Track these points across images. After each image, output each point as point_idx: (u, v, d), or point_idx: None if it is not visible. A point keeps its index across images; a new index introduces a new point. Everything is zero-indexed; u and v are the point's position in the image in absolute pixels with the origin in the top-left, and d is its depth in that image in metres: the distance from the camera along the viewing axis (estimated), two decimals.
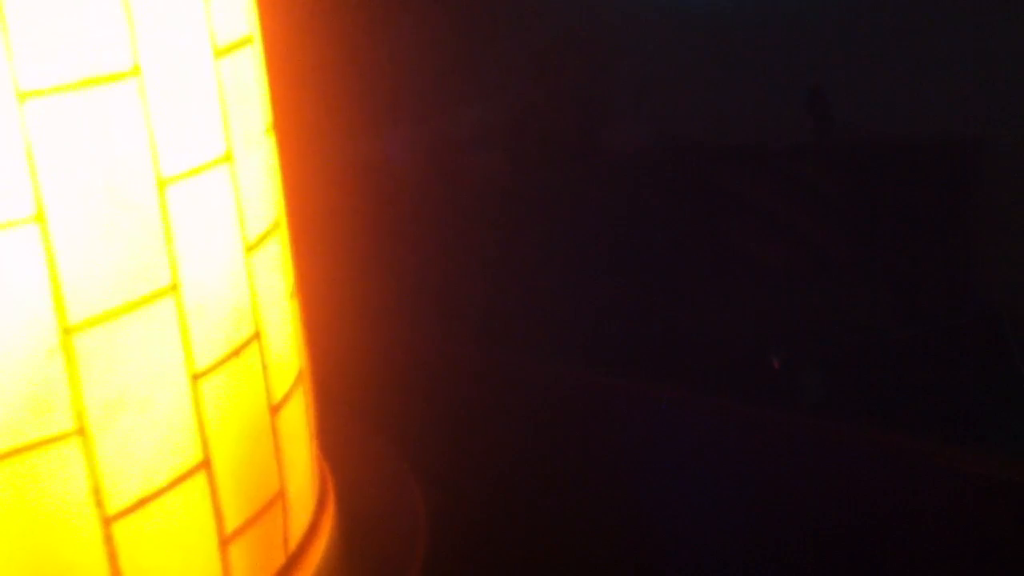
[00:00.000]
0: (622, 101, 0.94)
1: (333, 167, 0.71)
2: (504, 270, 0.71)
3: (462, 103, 0.85)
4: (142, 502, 0.26)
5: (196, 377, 0.27)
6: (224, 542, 0.28)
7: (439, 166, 0.81)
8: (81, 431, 0.25)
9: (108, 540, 0.26)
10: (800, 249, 0.91)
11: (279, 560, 0.30)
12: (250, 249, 0.29)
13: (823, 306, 0.88)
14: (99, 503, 0.25)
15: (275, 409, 0.30)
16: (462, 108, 0.85)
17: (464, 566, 0.45)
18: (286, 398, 0.31)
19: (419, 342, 0.61)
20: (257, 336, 0.29)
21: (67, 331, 0.24)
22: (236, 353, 0.28)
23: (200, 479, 0.27)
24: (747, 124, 0.94)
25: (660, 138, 0.94)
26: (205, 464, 0.27)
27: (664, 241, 0.89)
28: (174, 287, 0.26)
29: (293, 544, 0.31)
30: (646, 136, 0.94)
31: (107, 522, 0.25)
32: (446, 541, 0.40)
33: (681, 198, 0.92)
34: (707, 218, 0.92)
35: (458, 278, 0.76)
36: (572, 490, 0.48)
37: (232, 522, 0.28)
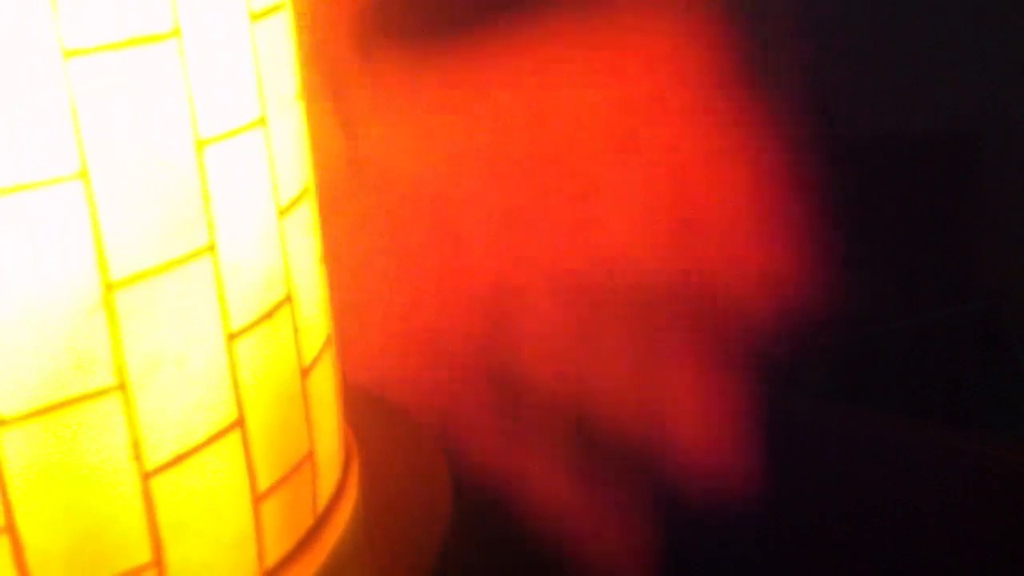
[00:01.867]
0: None
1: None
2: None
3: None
4: (179, 458, 0.27)
5: (231, 337, 0.27)
6: (257, 500, 0.29)
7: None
8: (122, 387, 0.25)
9: (146, 494, 0.26)
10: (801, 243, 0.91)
11: (308, 520, 0.31)
12: (283, 212, 0.29)
13: (823, 299, 0.89)
14: (138, 458, 0.26)
15: (305, 372, 0.30)
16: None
17: (483, 536, 0.45)
18: (315, 361, 0.31)
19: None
20: (289, 299, 0.30)
21: (109, 287, 0.25)
22: (269, 315, 0.29)
23: (234, 437, 0.28)
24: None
25: None
26: (239, 423, 0.28)
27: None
28: (211, 247, 0.27)
29: (321, 505, 0.32)
30: None
31: (145, 477, 0.26)
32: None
33: None
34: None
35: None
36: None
37: (264, 481, 0.29)
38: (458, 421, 0.50)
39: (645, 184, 0.55)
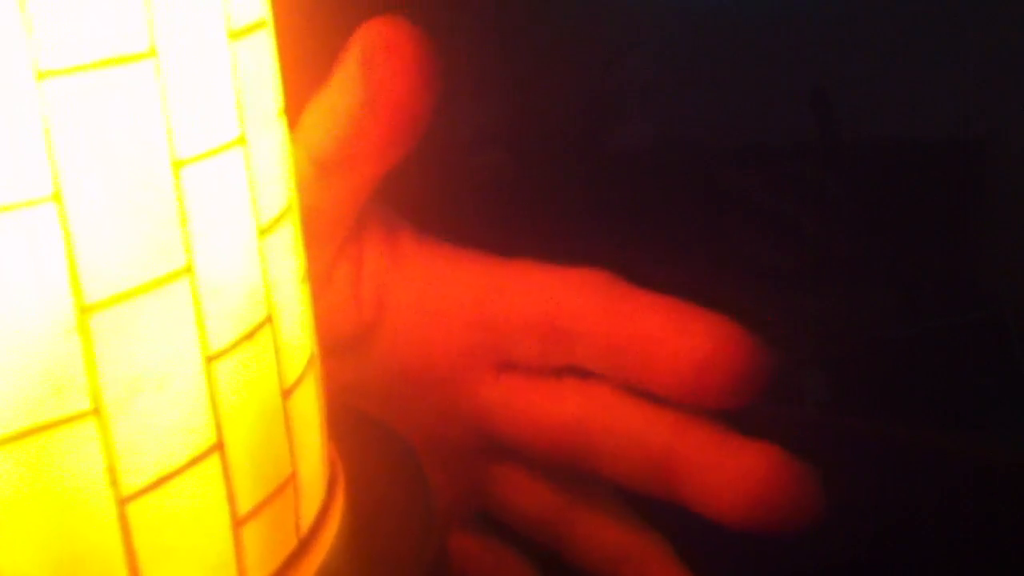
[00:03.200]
0: (626, 100, 0.94)
1: None
2: None
3: (465, 101, 0.86)
4: (157, 483, 0.26)
5: (211, 359, 0.27)
6: (238, 524, 0.28)
7: (441, 164, 0.81)
8: (97, 411, 0.25)
9: (123, 520, 0.26)
10: (803, 249, 0.91)
11: (291, 543, 0.31)
12: (263, 232, 0.29)
13: (826, 305, 0.89)
14: (114, 483, 0.25)
15: (287, 393, 0.30)
16: (465, 107, 0.86)
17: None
18: (298, 382, 0.31)
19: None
20: (269, 320, 0.29)
21: (84, 311, 0.24)
22: (249, 336, 0.28)
23: (214, 461, 0.27)
24: (750, 124, 0.95)
25: (664, 138, 0.95)
26: (219, 446, 0.28)
27: (667, 240, 0.89)
28: (189, 269, 0.26)
29: (304, 528, 0.31)
30: (650, 136, 0.95)
31: (122, 502, 0.26)
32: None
33: (684, 198, 0.92)
34: (710, 217, 0.92)
35: None
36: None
37: (245, 504, 0.28)
38: None
39: None
